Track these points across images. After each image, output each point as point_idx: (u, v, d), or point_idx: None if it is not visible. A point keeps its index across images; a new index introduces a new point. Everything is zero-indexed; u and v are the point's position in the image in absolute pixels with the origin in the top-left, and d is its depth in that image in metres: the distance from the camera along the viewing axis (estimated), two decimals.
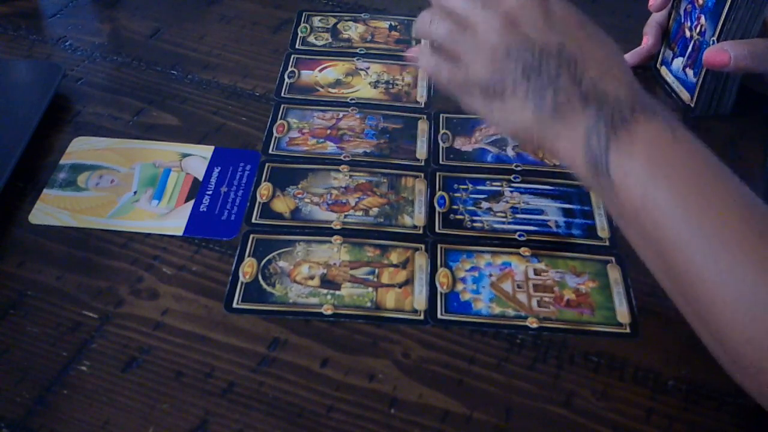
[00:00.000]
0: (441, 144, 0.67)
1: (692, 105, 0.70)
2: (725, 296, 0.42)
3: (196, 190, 0.62)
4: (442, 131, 0.68)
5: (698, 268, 0.43)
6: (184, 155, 0.65)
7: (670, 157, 0.46)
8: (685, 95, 0.71)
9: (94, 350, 0.51)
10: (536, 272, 0.57)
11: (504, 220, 0.61)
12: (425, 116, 0.70)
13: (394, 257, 0.57)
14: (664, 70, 0.74)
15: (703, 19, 0.68)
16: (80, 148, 0.66)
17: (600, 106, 0.48)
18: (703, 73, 0.68)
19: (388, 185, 0.63)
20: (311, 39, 0.79)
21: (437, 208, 0.61)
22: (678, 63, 0.72)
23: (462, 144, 0.67)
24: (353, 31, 0.80)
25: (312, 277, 0.56)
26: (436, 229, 0.60)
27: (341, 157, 0.65)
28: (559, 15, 0.51)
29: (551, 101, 0.49)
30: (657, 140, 0.46)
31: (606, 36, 0.51)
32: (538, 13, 0.51)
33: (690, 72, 0.70)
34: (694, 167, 0.46)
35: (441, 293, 0.55)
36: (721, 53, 0.65)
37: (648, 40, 0.74)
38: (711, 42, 0.66)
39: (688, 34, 0.70)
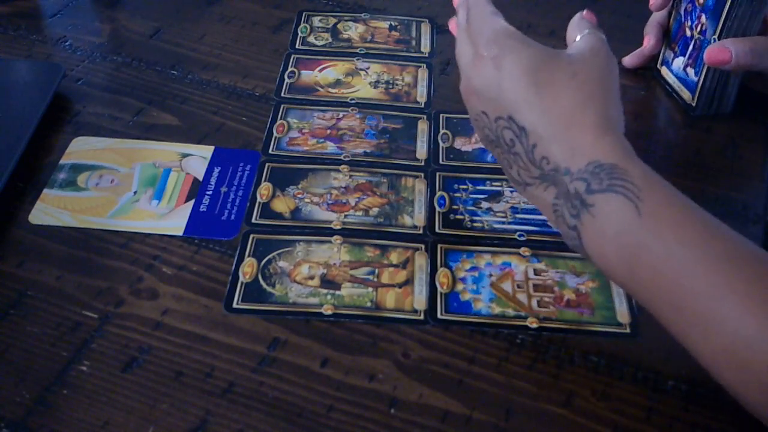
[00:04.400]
0: (441, 144, 0.67)
1: (694, 104, 0.70)
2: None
3: (196, 190, 0.62)
4: (442, 131, 0.68)
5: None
6: (184, 155, 0.65)
7: (635, 242, 0.43)
8: (686, 95, 0.71)
9: (94, 350, 0.51)
10: (536, 272, 0.57)
11: (504, 220, 0.60)
12: (425, 116, 0.70)
13: (394, 257, 0.57)
14: (665, 71, 0.74)
15: (703, 18, 0.68)
16: (80, 148, 0.66)
17: (557, 187, 0.46)
18: (704, 71, 0.68)
19: (388, 185, 0.63)
20: (311, 39, 0.79)
21: (437, 208, 0.61)
22: (679, 63, 0.72)
23: (462, 144, 0.67)
24: (353, 31, 0.80)
25: (312, 277, 0.56)
26: (436, 229, 0.60)
27: (341, 157, 0.65)
28: (508, 71, 0.47)
29: (517, 174, 0.48)
30: (621, 225, 0.43)
31: (570, 68, 0.47)
32: (490, 74, 0.48)
33: (691, 71, 0.70)
34: (660, 249, 0.42)
35: (441, 293, 0.55)
36: (722, 51, 0.65)
37: (649, 40, 0.74)
38: (712, 40, 0.66)
39: (688, 33, 0.70)
